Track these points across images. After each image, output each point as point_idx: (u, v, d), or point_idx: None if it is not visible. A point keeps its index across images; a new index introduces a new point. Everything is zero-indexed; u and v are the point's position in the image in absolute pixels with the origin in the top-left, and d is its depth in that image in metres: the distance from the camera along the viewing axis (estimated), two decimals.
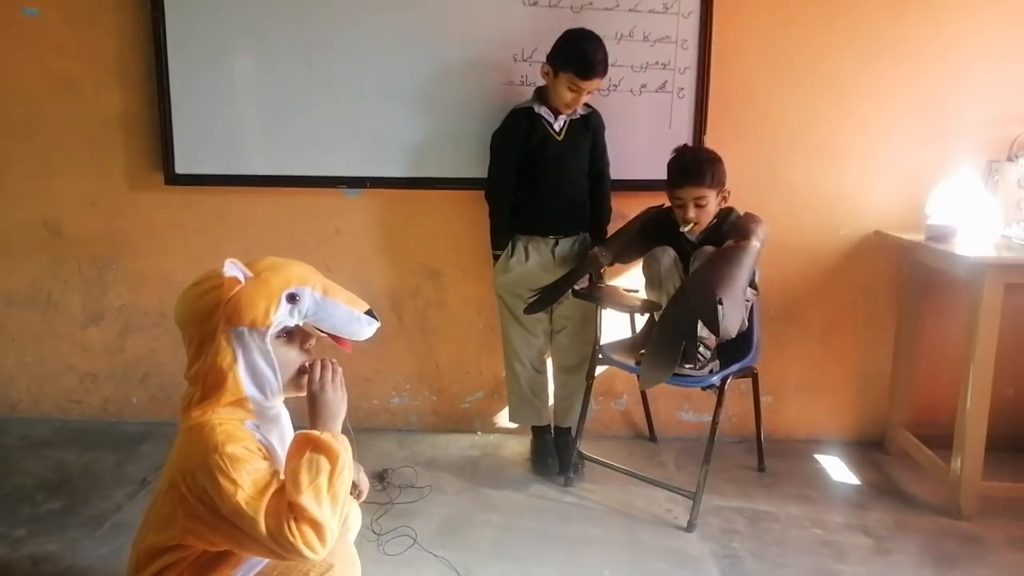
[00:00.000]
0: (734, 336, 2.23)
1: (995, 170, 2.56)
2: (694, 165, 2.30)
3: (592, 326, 2.52)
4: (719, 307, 2.03)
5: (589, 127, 2.48)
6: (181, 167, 2.70)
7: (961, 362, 2.29)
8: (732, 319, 2.12)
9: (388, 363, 2.85)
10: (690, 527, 2.22)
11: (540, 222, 2.49)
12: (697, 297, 2.09)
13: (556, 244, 2.51)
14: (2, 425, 2.86)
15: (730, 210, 2.39)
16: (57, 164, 2.77)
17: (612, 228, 2.58)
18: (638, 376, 2.24)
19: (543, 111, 2.42)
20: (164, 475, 1.41)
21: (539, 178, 2.45)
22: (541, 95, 2.44)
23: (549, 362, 2.69)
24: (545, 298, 2.43)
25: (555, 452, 2.59)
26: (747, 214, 2.34)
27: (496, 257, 2.55)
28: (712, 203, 2.32)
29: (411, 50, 2.61)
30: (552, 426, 2.68)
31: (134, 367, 2.90)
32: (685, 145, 2.44)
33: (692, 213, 2.31)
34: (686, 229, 2.34)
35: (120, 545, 2.04)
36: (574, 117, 2.45)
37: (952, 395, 2.34)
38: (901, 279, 2.70)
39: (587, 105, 2.47)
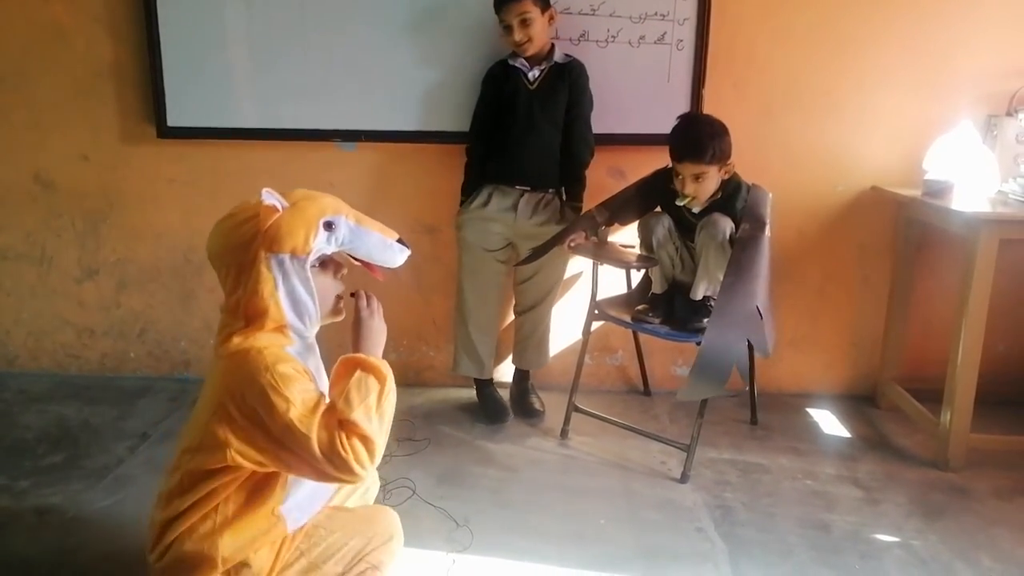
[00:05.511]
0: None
1: (994, 125, 2.55)
2: (695, 140, 2.18)
3: (555, 270, 2.58)
4: (761, 319, 2.02)
5: (565, 77, 2.45)
6: (173, 120, 2.66)
7: (953, 317, 2.30)
8: (768, 324, 2.10)
9: (385, 319, 2.84)
10: (683, 478, 2.26)
11: (507, 170, 2.50)
12: (740, 315, 2.07)
13: (522, 196, 2.51)
14: (0, 379, 2.88)
15: (738, 184, 2.29)
16: (47, 116, 2.73)
17: (611, 187, 2.56)
18: (685, 384, 2.17)
19: (519, 63, 2.45)
20: (205, 401, 1.41)
21: (509, 127, 2.47)
22: None
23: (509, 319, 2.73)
24: (537, 253, 2.44)
25: (501, 400, 2.68)
26: (755, 188, 2.29)
27: (462, 203, 2.58)
28: (712, 179, 2.23)
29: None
30: (516, 370, 2.76)
31: (131, 322, 2.90)
32: (691, 113, 2.34)
33: (690, 188, 2.22)
34: (683, 203, 2.26)
35: (123, 497, 2.07)
36: (550, 64, 2.43)
37: (943, 350, 2.36)
38: (897, 235, 2.70)
39: (567, 55, 2.47)
